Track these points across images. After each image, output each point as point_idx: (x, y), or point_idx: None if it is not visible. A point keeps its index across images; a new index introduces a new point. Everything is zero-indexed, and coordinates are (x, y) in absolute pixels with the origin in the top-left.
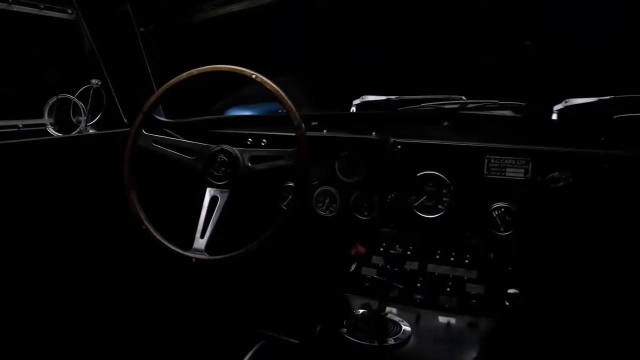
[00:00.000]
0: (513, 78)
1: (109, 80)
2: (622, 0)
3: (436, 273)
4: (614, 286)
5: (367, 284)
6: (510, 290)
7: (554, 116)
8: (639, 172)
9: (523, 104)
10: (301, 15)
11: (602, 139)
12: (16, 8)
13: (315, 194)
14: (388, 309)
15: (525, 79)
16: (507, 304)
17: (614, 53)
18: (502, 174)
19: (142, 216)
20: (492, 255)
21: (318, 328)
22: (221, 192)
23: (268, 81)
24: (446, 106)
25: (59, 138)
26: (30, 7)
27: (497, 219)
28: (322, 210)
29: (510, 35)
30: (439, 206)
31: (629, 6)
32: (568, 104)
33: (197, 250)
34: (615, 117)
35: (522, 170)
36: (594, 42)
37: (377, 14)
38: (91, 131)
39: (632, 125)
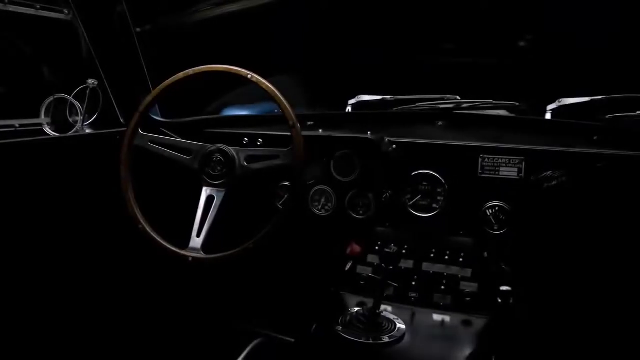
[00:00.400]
0: (507, 78)
1: (105, 80)
2: (617, 1)
3: (431, 271)
4: (607, 283)
5: (362, 283)
6: (503, 288)
7: (548, 116)
8: (631, 170)
9: (517, 103)
10: (297, 16)
11: (594, 138)
12: (12, 8)
13: (311, 193)
14: (383, 307)
15: (519, 79)
16: (500, 301)
17: (607, 54)
18: (496, 173)
19: (139, 215)
20: (486, 253)
21: (314, 326)
22: (217, 191)
23: (263, 81)
24: (441, 106)
25: (55, 138)
26: (26, 7)
27: (491, 217)
28: (317, 210)
29: (504, 36)
30: (434, 205)
31: (623, 7)
32: (561, 103)
33: (194, 249)
34: (607, 116)
35: (516, 170)
36: (587, 42)
37: (373, 15)
38: (88, 131)
39: (624, 125)
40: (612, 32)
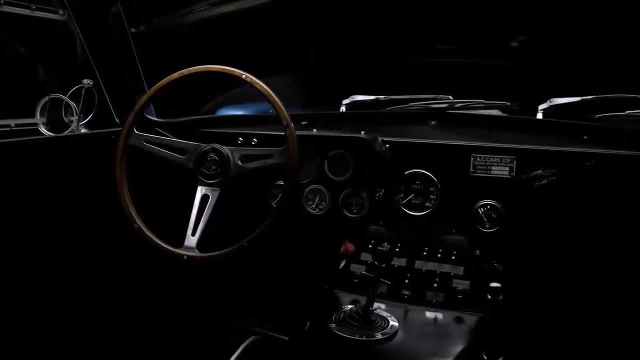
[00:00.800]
0: (499, 78)
1: (100, 80)
2: (608, 2)
3: (423, 269)
4: (597, 280)
5: (356, 281)
6: (493, 284)
7: (539, 115)
8: (620, 169)
9: (508, 103)
10: (292, 17)
11: (584, 137)
12: (7, 9)
13: (305, 192)
14: (376, 304)
15: (511, 79)
16: (490, 297)
17: (597, 54)
18: (488, 172)
19: (134, 215)
20: (478, 251)
21: (308, 324)
22: (212, 190)
23: (257, 81)
24: (433, 106)
25: (50, 137)
26: (21, 7)
27: (483, 216)
28: (311, 209)
29: (496, 36)
30: (426, 204)
31: (615, 7)
32: (552, 103)
33: (188, 248)
34: (597, 116)
35: (507, 169)
36: (578, 43)
37: (366, 16)
38: (83, 131)
39: (614, 124)
40: (603, 33)
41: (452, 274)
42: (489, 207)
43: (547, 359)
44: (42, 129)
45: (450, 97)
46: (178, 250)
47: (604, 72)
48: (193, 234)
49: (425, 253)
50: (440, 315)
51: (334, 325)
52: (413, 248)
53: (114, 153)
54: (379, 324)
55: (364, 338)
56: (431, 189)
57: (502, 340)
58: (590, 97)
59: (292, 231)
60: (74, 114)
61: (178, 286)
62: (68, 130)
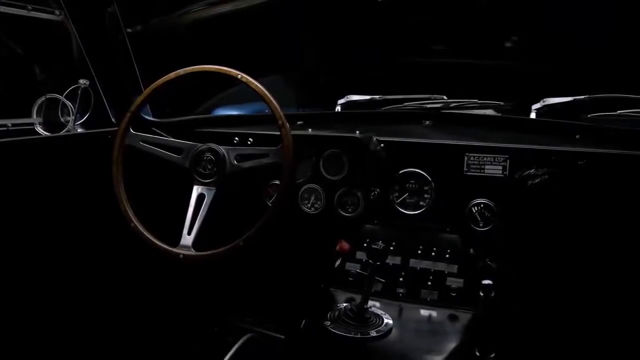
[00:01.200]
0: (493, 78)
1: (97, 80)
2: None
3: (418, 268)
4: (589, 277)
5: (351, 279)
6: (485, 281)
7: (532, 115)
8: (612, 168)
9: (502, 103)
10: (288, 18)
11: (577, 136)
12: (3, 9)
13: (301, 191)
14: (371, 302)
15: (505, 79)
16: (482, 294)
17: (590, 55)
18: (481, 171)
19: (131, 214)
20: (471, 250)
21: (303, 322)
22: (208, 189)
23: (253, 81)
24: (428, 105)
25: (47, 137)
26: (17, 8)
27: (477, 214)
28: (307, 208)
29: (490, 37)
30: (421, 203)
31: (607, 8)
32: (545, 103)
33: (185, 247)
34: (589, 116)
35: (501, 168)
36: (571, 44)
37: (362, 17)
38: (79, 130)
39: (605, 124)
40: (595, 34)
41: (446, 272)
42: (482, 205)
43: (539, 355)
44: (39, 129)
45: (445, 97)
46: (174, 249)
47: (596, 73)
48: (189, 233)
49: (419, 251)
50: (434, 313)
51: (329, 323)
52: (407, 246)
53: (110, 153)
54: (374, 322)
55: (359, 336)
56: (425, 188)
57: (495, 336)
58: (582, 97)
59: (287, 230)
60: (71, 114)
61: (174, 285)
62: (64, 130)
